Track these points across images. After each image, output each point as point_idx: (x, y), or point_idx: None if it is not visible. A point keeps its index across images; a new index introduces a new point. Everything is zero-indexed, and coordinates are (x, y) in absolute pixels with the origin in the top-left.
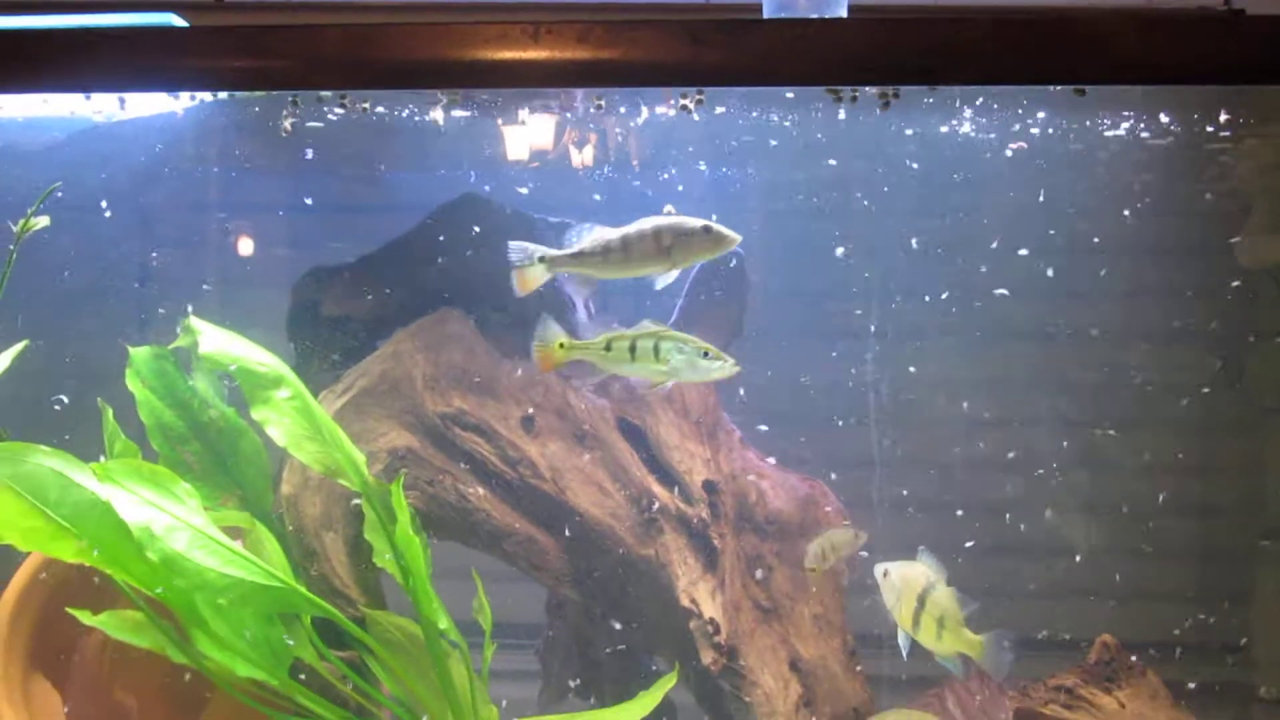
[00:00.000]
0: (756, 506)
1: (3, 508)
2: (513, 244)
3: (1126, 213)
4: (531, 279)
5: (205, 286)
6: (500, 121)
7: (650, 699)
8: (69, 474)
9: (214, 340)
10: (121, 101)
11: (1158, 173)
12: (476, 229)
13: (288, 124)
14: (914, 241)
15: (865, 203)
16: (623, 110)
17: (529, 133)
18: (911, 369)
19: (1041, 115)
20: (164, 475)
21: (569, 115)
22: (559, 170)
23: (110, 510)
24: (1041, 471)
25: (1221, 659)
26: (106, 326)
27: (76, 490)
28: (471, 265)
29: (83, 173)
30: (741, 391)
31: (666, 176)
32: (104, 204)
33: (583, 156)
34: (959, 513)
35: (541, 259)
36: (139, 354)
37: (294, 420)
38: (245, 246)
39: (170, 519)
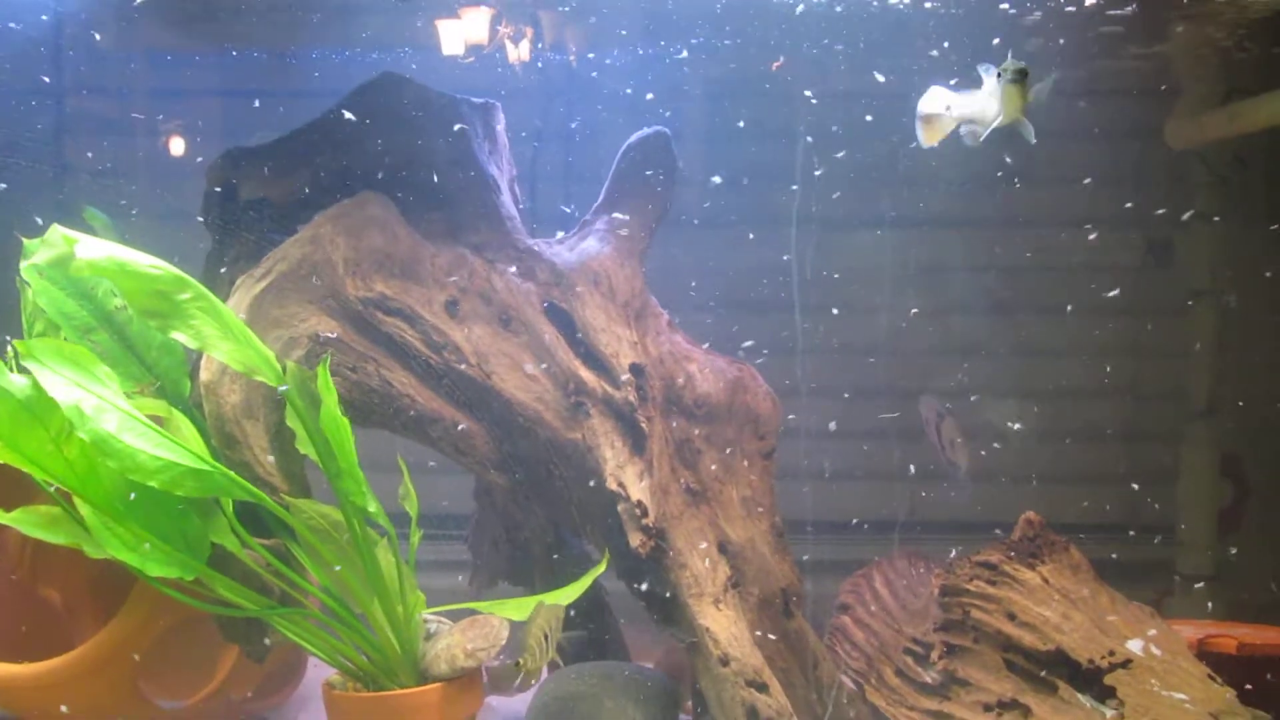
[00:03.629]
0: (685, 390)
1: None
2: (931, 93)
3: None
4: (940, 130)
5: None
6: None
7: (579, 585)
8: None
9: (93, 248)
10: None
11: (1086, 53)
12: (397, 108)
13: None
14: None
15: (799, 84)
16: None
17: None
18: (842, 254)
19: None
20: (85, 356)
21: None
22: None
23: (22, 405)
24: (968, 356)
25: (1145, 539)
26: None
27: None
28: (393, 146)
29: None
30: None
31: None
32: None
33: (519, 51)
34: (885, 398)
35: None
36: (34, 245)
37: (203, 321)
38: (160, 132)
39: (98, 400)
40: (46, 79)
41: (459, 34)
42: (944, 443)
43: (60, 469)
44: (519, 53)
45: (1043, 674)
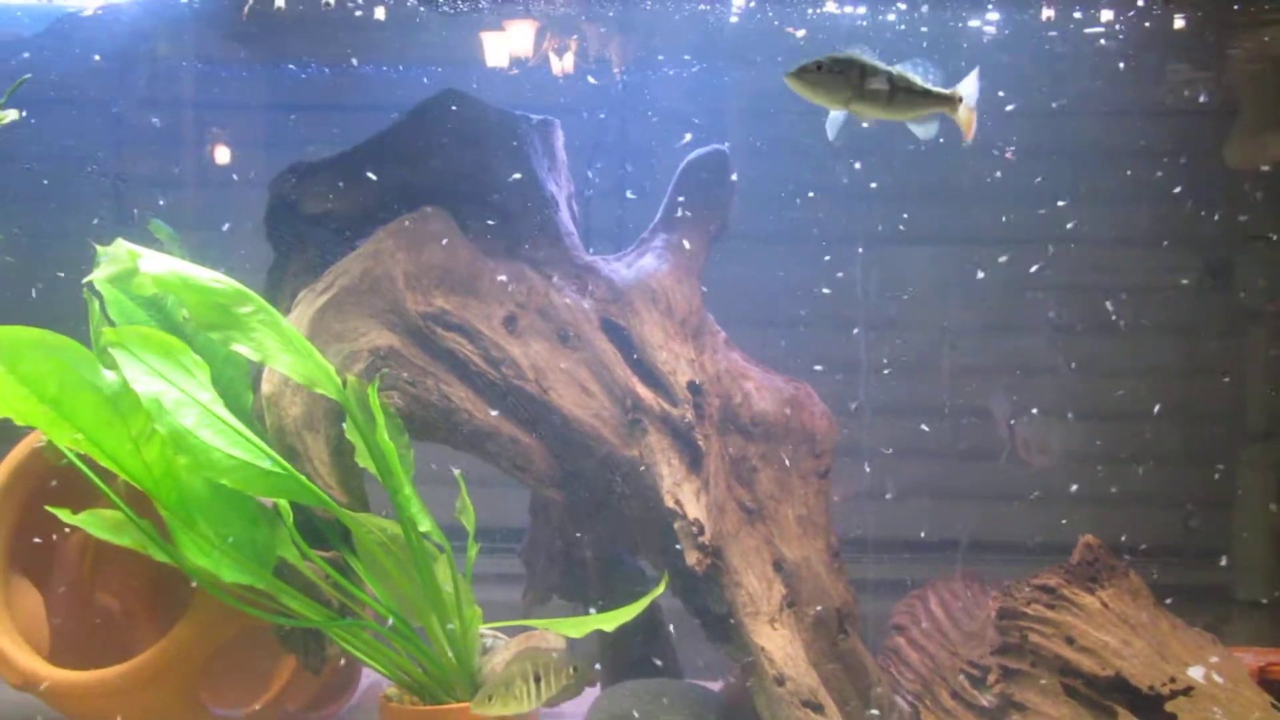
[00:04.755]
0: (741, 408)
1: (3, 390)
2: (973, 79)
3: (1112, 115)
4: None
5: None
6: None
7: (636, 607)
8: (69, 363)
9: (156, 262)
10: None
11: (1147, 74)
12: (457, 123)
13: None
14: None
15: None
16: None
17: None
18: (897, 273)
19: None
20: (176, 346)
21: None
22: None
23: (106, 402)
24: (1026, 376)
25: (1204, 562)
26: (78, 223)
27: (74, 380)
28: (454, 161)
29: (55, 64)
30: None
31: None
32: (77, 97)
33: (563, 63)
34: (945, 416)
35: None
36: (106, 250)
37: (265, 334)
38: (221, 144)
39: (180, 393)
40: (113, 94)
41: (504, 47)
42: (1015, 441)
43: (138, 469)
44: (563, 65)
45: (1102, 700)
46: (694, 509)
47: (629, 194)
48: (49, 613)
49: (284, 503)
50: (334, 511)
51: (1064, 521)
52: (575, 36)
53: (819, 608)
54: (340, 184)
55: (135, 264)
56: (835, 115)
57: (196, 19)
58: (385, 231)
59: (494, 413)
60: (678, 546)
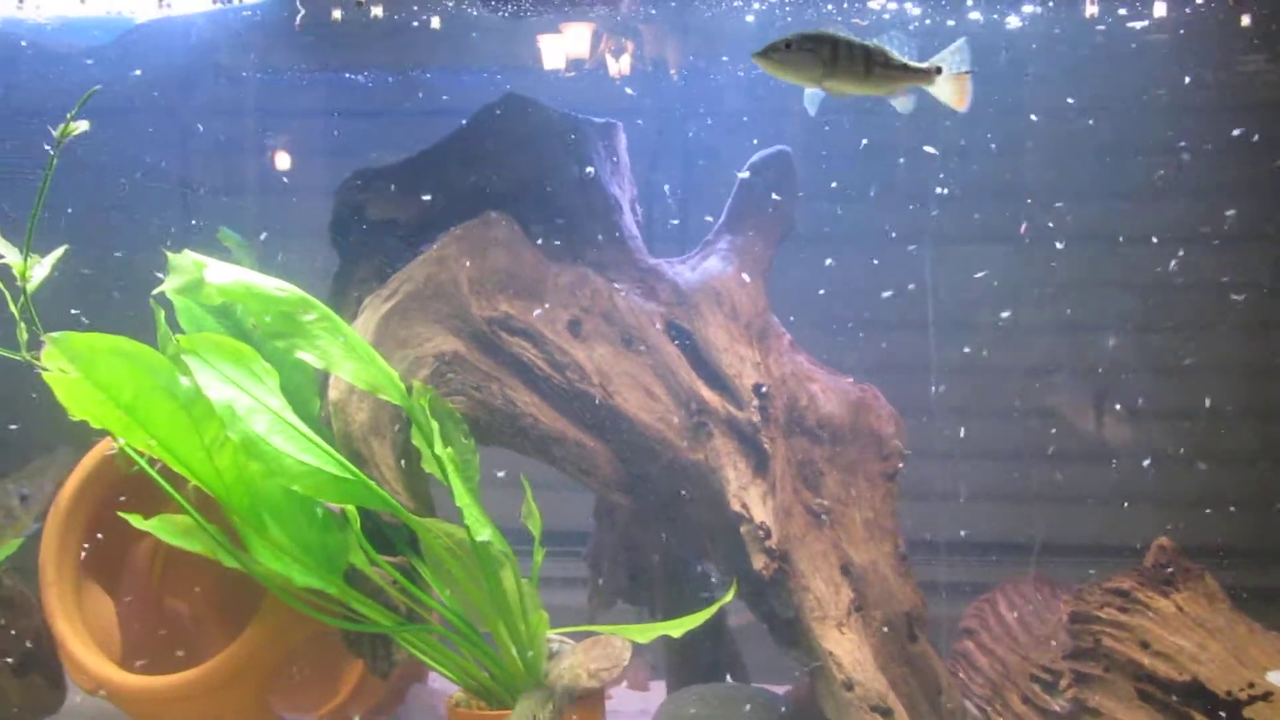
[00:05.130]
0: (807, 410)
1: (80, 395)
2: (958, 48)
3: (1191, 110)
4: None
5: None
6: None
7: (704, 614)
8: (144, 369)
9: (221, 272)
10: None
11: (1221, 67)
12: (520, 128)
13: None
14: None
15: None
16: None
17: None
18: (969, 273)
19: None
20: (247, 353)
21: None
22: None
23: (181, 408)
24: (1099, 376)
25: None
26: (147, 232)
27: (149, 386)
28: (517, 166)
29: (124, 75)
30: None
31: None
32: (143, 107)
33: (619, 65)
34: (1014, 418)
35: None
36: (178, 258)
37: (328, 341)
38: (285, 152)
39: (251, 400)
40: (178, 104)
41: (560, 50)
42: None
43: (209, 475)
44: (619, 67)
45: (1178, 706)
46: (760, 512)
47: (669, 196)
48: (120, 618)
49: (352, 509)
50: (401, 517)
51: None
52: (630, 38)
53: (887, 612)
54: (404, 190)
55: (201, 274)
56: (811, 92)
57: (260, 29)
58: (449, 237)
59: (559, 417)
60: (744, 551)
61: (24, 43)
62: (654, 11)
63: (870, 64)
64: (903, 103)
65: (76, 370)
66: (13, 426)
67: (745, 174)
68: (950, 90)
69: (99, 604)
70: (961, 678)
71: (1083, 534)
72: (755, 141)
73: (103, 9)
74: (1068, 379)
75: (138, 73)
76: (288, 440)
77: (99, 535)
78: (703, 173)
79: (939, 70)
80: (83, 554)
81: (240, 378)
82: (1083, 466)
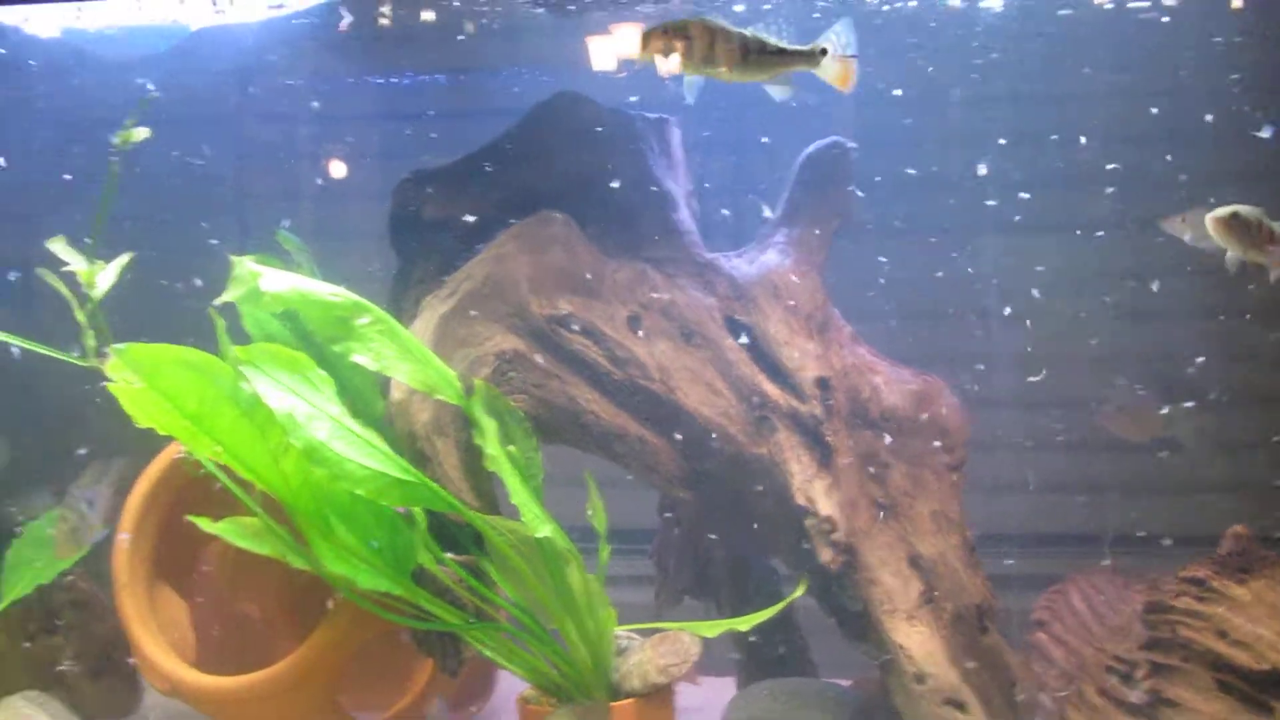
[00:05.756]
0: (870, 402)
1: (146, 404)
2: (841, 30)
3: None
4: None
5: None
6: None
7: (772, 609)
8: (208, 377)
9: (276, 280)
10: (214, 3)
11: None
12: (574, 125)
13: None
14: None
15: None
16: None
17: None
18: (1031, 264)
19: None
20: (303, 361)
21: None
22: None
23: (244, 415)
24: (1166, 363)
25: None
26: (209, 237)
27: (213, 394)
28: (572, 163)
29: (181, 82)
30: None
31: None
32: (199, 114)
33: (669, 65)
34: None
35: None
36: (240, 263)
37: (383, 344)
38: (341, 156)
39: (310, 408)
40: (236, 109)
41: (610, 49)
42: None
43: (276, 480)
44: (668, 66)
45: (1258, 695)
46: (826, 506)
47: (724, 191)
48: (192, 620)
49: (418, 509)
50: (466, 517)
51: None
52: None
53: (957, 604)
54: (460, 189)
55: (258, 283)
56: (691, 79)
57: (312, 35)
58: (507, 235)
59: (620, 413)
60: (810, 545)
61: (82, 52)
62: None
63: (747, 50)
64: (780, 90)
65: (141, 381)
66: (81, 451)
67: (800, 166)
68: (836, 72)
69: (171, 606)
70: (1036, 669)
71: (1153, 524)
72: (807, 134)
73: (159, 17)
74: (1137, 367)
75: (193, 79)
76: (349, 445)
77: (169, 538)
78: (756, 167)
79: (823, 52)
80: (154, 557)
81: (298, 385)
82: (1152, 456)
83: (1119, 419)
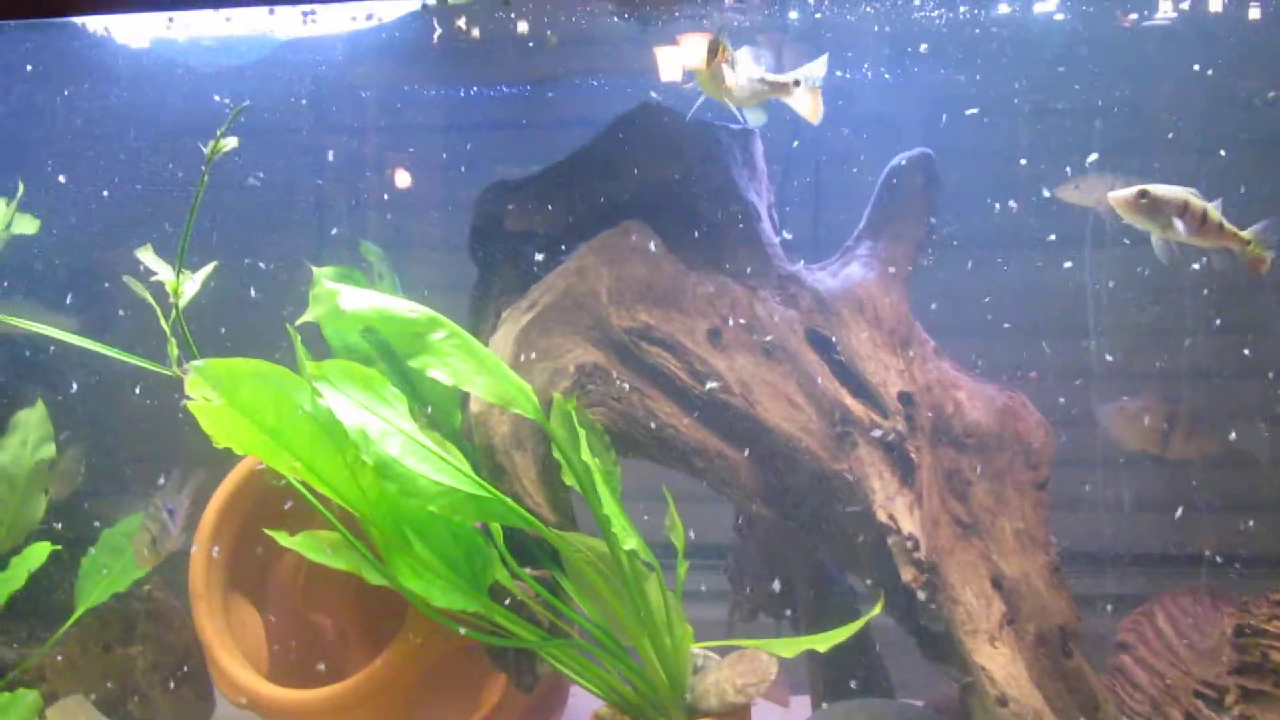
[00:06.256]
0: (953, 418)
1: (224, 421)
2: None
3: None
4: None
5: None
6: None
7: (851, 627)
8: (286, 392)
9: (354, 298)
10: (305, 17)
11: None
12: (656, 137)
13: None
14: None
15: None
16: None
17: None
18: (1127, 275)
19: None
20: (375, 379)
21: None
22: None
23: (322, 430)
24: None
25: None
26: (292, 246)
27: (291, 409)
28: (653, 174)
29: (267, 93)
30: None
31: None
32: (287, 125)
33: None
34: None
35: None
36: (323, 273)
37: (458, 358)
38: (424, 167)
39: (383, 423)
40: (322, 120)
41: (676, 60)
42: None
43: (354, 494)
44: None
45: None
46: (908, 523)
47: (806, 203)
48: (266, 632)
49: (496, 524)
50: (541, 532)
51: None
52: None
53: (1040, 625)
54: (541, 201)
55: (337, 302)
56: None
57: (396, 47)
58: (587, 247)
59: (699, 428)
60: (891, 563)
61: (175, 63)
62: (783, 15)
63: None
64: (755, 116)
65: (220, 396)
66: (164, 476)
67: (885, 177)
68: (806, 103)
69: (246, 617)
70: (1120, 694)
71: (1243, 545)
72: (894, 146)
73: (248, 28)
74: (1224, 385)
75: (281, 91)
76: (421, 461)
77: (245, 549)
78: (840, 178)
79: (797, 83)
80: (230, 568)
81: (371, 401)
82: (1243, 475)
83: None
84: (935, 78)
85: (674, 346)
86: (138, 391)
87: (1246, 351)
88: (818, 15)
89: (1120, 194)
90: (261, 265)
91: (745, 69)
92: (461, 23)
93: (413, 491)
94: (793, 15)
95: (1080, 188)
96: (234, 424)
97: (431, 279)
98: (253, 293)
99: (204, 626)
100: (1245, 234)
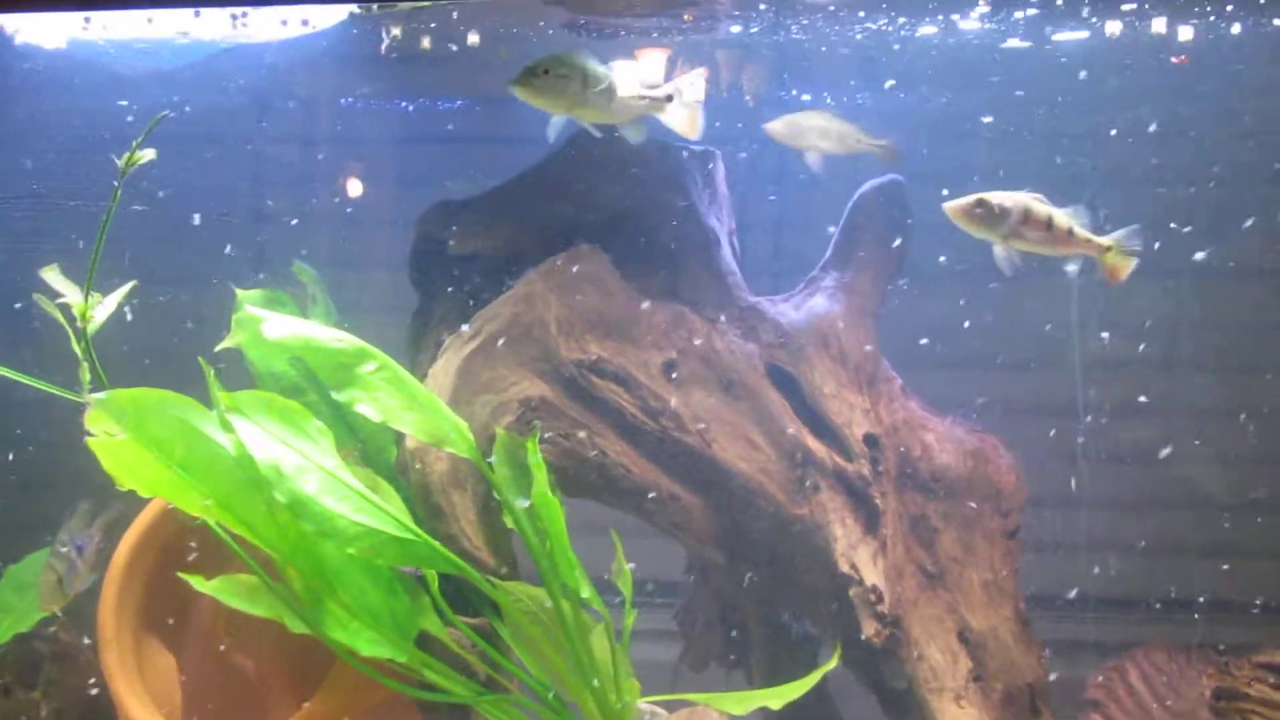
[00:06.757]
0: (921, 461)
1: (129, 458)
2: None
3: None
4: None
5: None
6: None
7: (805, 682)
8: (196, 425)
9: (278, 326)
10: (234, 20)
11: None
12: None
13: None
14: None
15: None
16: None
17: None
18: (1116, 308)
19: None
20: (296, 411)
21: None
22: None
23: (238, 464)
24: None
25: None
26: (215, 266)
27: (203, 443)
28: (607, 197)
29: (192, 101)
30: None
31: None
32: (211, 135)
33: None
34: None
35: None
36: (248, 297)
37: (387, 392)
38: (359, 182)
39: (300, 459)
40: (251, 131)
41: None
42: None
43: (272, 535)
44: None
45: None
46: (871, 574)
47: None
48: (182, 676)
49: (431, 570)
50: (473, 580)
51: None
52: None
53: (1008, 682)
54: (487, 223)
55: (260, 329)
56: (556, 119)
57: (331, 55)
58: (536, 273)
59: (652, 467)
60: (852, 614)
61: (89, 65)
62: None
63: (614, 92)
64: (634, 132)
65: (125, 429)
66: (69, 511)
67: (853, 205)
68: (682, 118)
69: (160, 661)
70: None
71: (1218, 590)
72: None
73: (172, 31)
74: (1212, 418)
75: (209, 99)
76: (341, 500)
77: (160, 589)
78: (802, 204)
79: (669, 98)
80: (143, 609)
81: (289, 436)
82: (1224, 516)
83: None
84: (905, 99)
85: (626, 380)
86: (48, 417)
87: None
88: (780, 36)
89: (955, 204)
90: (188, 286)
91: (624, 83)
92: (398, 32)
93: (331, 532)
94: (735, 29)
95: (789, 126)
96: (139, 460)
97: (374, 301)
98: (188, 323)
99: (113, 672)
100: (1104, 240)
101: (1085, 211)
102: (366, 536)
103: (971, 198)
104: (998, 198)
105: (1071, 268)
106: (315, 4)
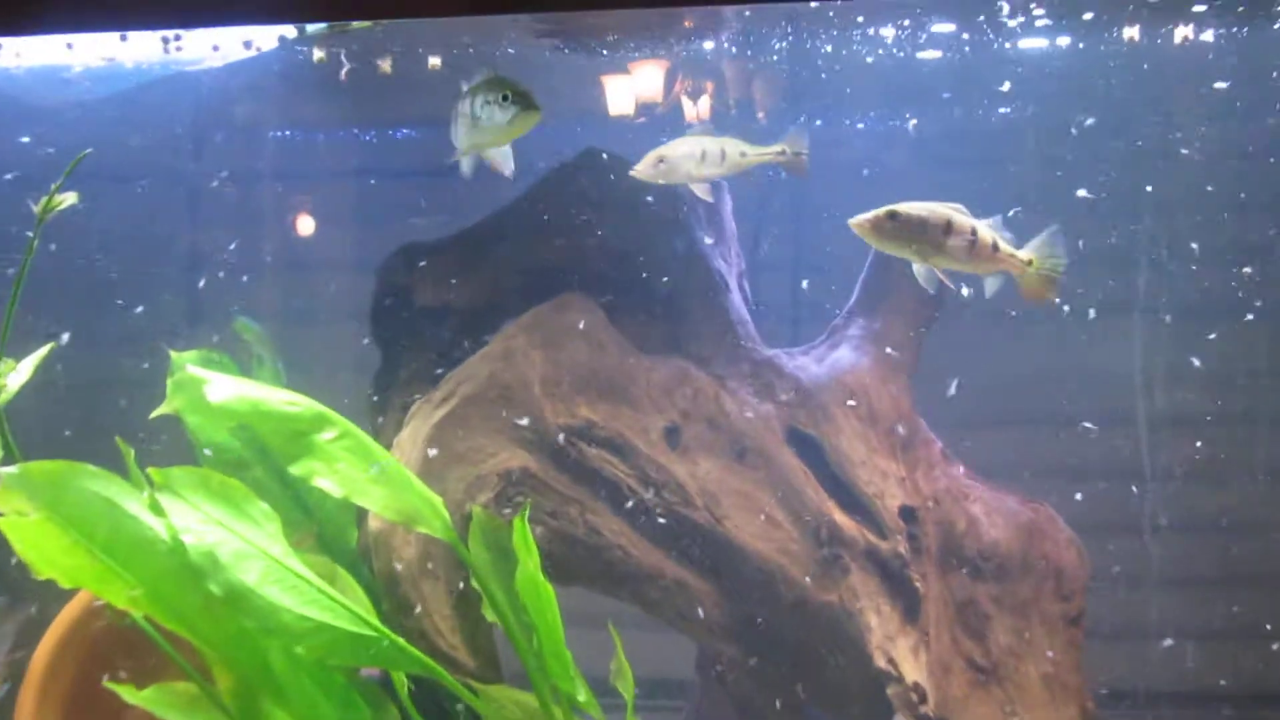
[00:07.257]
0: (967, 538)
1: (45, 540)
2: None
3: None
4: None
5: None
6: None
7: None
8: (122, 504)
9: (223, 388)
10: (165, 44)
11: None
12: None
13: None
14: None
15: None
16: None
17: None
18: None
19: None
20: (237, 490)
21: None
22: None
23: (169, 551)
24: None
25: None
26: (148, 321)
27: (130, 524)
28: (598, 237)
29: (119, 136)
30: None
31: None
32: (143, 174)
33: (698, 108)
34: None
35: None
36: (185, 359)
37: (350, 463)
38: (311, 222)
39: (241, 544)
40: (188, 165)
41: (629, 91)
42: None
43: (210, 631)
44: (698, 110)
45: None
46: (912, 670)
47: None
48: None
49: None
50: (447, 683)
51: None
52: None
53: None
54: (460, 268)
55: (203, 392)
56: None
57: (281, 80)
58: (517, 326)
59: (653, 549)
60: (890, 716)
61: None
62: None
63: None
64: (503, 160)
65: (38, 508)
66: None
67: None
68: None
69: None
70: None
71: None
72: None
73: (97, 58)
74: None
75: (141, 131)
76: (286, 591)
77: (85, 693)
78: (824, 239)
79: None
80: (66, 712)
81: (228, 518)
82: None
83: None
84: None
85: (622, 448)
86: None
87: None
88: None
89: (862, 218)
90: (114, 347)
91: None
92: (344, 56)
93: (275, 629)
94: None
95: (657, 164)
96: (56, 544)
97: (329, 360)
98: (103, 382)
99: None
100: (1024, 255)
101: (1002, 223)
102: (317, 633)
103: (882, 210)
104: (913, 209)
105: (991, 285)
106: (299, 22)
